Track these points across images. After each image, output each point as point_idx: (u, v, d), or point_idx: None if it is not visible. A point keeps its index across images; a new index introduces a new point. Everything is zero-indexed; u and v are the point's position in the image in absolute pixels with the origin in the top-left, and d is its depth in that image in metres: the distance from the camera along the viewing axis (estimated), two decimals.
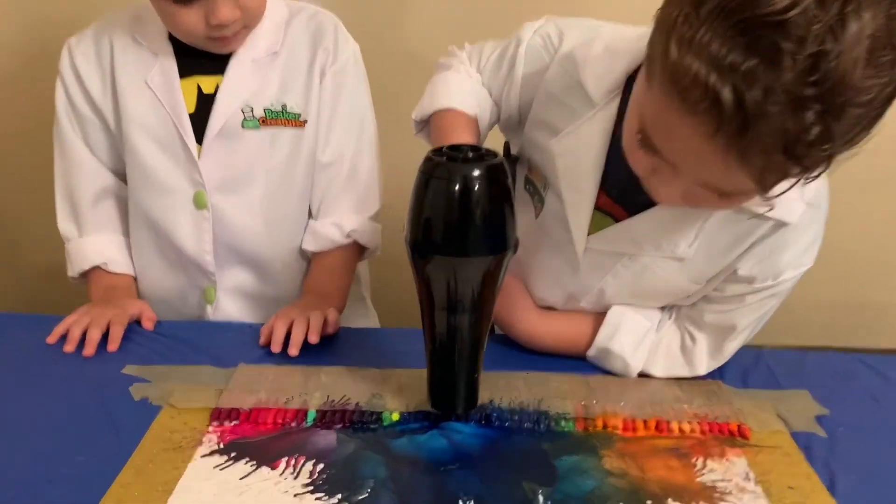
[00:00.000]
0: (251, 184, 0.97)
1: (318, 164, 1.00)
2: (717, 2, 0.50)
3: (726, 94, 0.50)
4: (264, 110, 0.95)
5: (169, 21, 0.88)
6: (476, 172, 0.60)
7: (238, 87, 0.94)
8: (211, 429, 0.72)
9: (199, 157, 0.94)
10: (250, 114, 0.94)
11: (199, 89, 0.95)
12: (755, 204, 0.66)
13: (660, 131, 0.60)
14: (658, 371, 0.83)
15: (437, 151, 0.63)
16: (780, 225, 0.72)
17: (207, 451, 0.69)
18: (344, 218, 1.01)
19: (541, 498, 0.64)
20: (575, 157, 0.78)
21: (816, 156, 0.53)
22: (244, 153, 0.96)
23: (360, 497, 0.64)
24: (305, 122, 0.97)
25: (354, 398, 0.77)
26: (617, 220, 0.78)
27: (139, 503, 0.62)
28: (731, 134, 0.52)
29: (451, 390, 0.73)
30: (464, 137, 0.79)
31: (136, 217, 1.00)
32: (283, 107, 0.96)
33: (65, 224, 1.01)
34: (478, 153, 0.62)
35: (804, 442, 0.73)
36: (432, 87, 0.88)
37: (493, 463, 0.69)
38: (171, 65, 0.94)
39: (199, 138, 0.94)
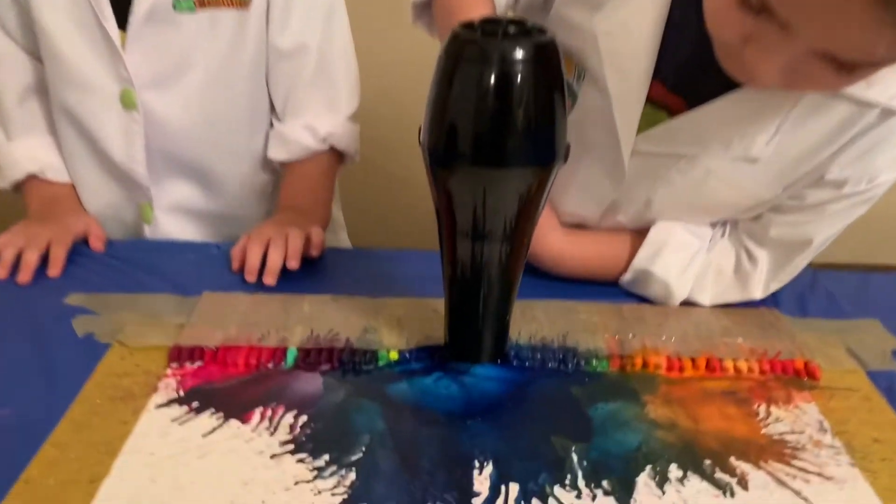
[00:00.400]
0: (188, 78, 0.80)
1: (278, 52, 0.82)
2: None
3: None
4: None
5: None
6: (520, 54, 0.45)
7: None
8: (169, 372, 0.59)
9: (123, 48, 0.77)
10: None
11: None
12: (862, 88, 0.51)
13: None
14: (706, 299, 0.70)
15: (468, 26, 0.47)
16: (891, 113, 0.58)
17: (164, 401, 0.56)
18: (317, 119, 0.85)
19: (574, 457, 0.52)
20: (624, 36, 0.62)
21: None
22: (178, 41, 0.78)
23: (353, 458, 0.52)
24: (249, 1, 0.79)
25: (344, 333, 0.64)
26: (673, 115, 0.63)
27: (76, 468, 0.50)
28: None
29: (475, 337, 0.60)
30: (476, 12, 0.63)
31: (59, 116, 0.83)
32: None
33: None
34: (521, 28, 0.47)
35: (885, 383, 0.62)
36: None
37: (513, 413, 0.56)
38: None
39: (123, 23, 0.76)
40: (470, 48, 0.46)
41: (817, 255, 0.72)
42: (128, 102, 0.79)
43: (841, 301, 0.73)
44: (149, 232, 0.87)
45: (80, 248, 0.76)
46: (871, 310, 0.71)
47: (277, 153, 0.86)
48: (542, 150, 0.48)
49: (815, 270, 0.76)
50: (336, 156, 0.89)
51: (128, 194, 0.85)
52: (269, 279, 0.70)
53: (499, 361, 0.62)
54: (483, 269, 0.54)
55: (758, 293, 0.70)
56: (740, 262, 0.70)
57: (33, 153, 0.83)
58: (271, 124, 0.88)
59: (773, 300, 0.72)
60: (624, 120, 0.64)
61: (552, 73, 0.47)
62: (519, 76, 0.45)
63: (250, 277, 0.71)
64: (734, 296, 0.70)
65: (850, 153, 0.61)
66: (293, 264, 0.70)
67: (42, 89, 0.83)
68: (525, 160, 0.48)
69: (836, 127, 0.59)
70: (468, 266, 0.54)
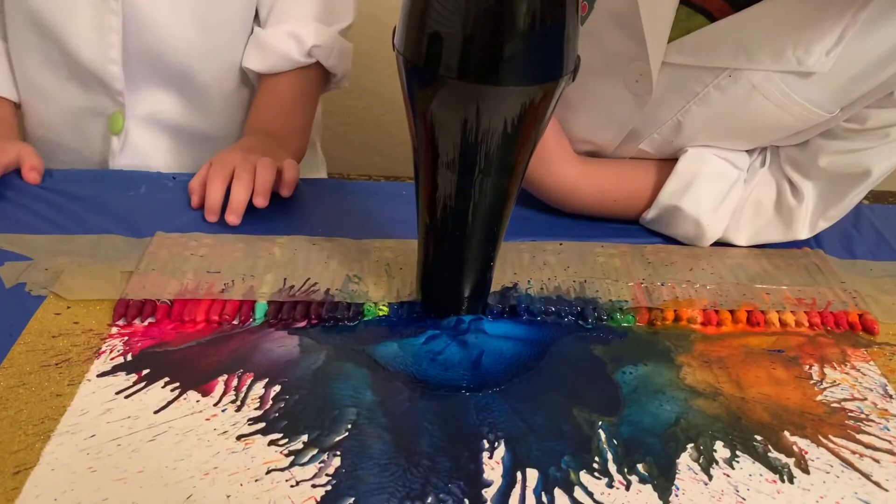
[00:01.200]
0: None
1: None
2: None
3: None
4: None
5: None
6: None
7: None
8: (115, 331, 0.49)
9: None
10: None
11: None
12: None
13: None
14: (742, 238, 0.61)
15: None
16: None
17: (108, 367, 0.47)
18: (304, 28, 0.72)
19: (602, 434, 0.44)
20: None
21: None
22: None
23: (337, 438, 0.43)
24: None
25: (323, 283, 0.54)
26: (714, 19, 0.53)
27: None
28: None
29: (454, 287, 0.50)
30: None
31: (14, 6, 0.70)
32: None
33: None
34: None
35: None
36: None
37: (526, 380, 0.48)
38: None
39: None
40: None
41: None
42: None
43: (892, 239, 0.64)
44: (116, 146, 0.75)
45: (9, 179, 0.65)
46: None
47: (253, 62, 0.74)
48: (547, 62, 0.37)
49: (859, 204, 0.67)
50: (321, 74, 0.77)
51: (96, 101, 0.73)
52: (232, 218, 0.59)
53: (505, 311, 0.52)
54: (468, 209, 0.44)
55: (803, 232, 0.60)
56: (783, 195, 0.60)
57: None
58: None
59: (814, 239, 0.63)
60: (652, 24, 0.53)
61: None
62: None
63: (211, 217, 0.61)
64: (775, 235, 0.61)
65: None
66: (260, 201, 0.60)
67: None
68: (525, 75, 0.37)
69: None
70: (451, 204, 0.44)
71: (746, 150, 0.62)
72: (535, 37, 0.36)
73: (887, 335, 0.53)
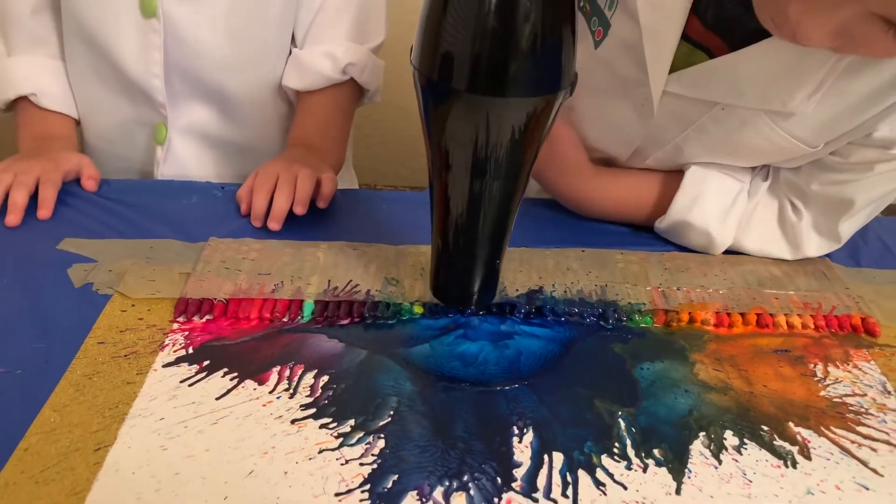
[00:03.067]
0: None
1: None
2: None
3: None
4: None
5: None
6: None
7: None
8: (176, 326, 0.54)
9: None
10: None
11: None
12: None
13: None
14: (751, 244, 0.65)
15: None
16: None
17: (172, 359, 0.51)
18: (338, 47, 0.78)
19: (622, 423, 0.48)
20: None
21: None
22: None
23: (381, 422, 0.47)
24: None
25: (364, 285, 0.59)
26: (713, 56, 0.57)
27: (79, 435, 0.45)
28: None
29: (464, 280, 0.55)
30: None
31: (70, 27, 0.76)
32: None
33: None
34: None
35: None
36: None
37: (552, 374, 0.52)
38: None
39: None
40: None
41: None
42: (147, 9, 0.72)
43: (895, 249, 0.68)
44: (161, 155, 0.81)
45: (72, 188, 0.70)
46: None
47: (293, 80, 0.79)
48: (547, 77, 0.42)
49: None
50: (355, 90, 0.82)
51: (142, 113, 0.79)
52: (274, 224, 0.65)
53: (531, 312, 0.57)
54: (477, 209, 0.49)
55: (810, 251, 0.65)
56: (784, 213, 0.65)
57: (32, 72, 0.77)
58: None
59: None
60: (655, 56, 0.58)
61: None
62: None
63: (256, 223, 0.66)
64: (782, 251, 0.65)
65: None
66: (300, 210, 0.65)
67: (58, 6, 0.76)
68: (528, 89, 0.42)
69: (887, 83, 0.53)
70: (461, 206, 0.49)
71: (749, 168, 0.66)
72: (537, 55, 0.41)
73: (888, 337, 0.57)
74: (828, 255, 0.66)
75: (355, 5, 0.78)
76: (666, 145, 0.64)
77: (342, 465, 0.45)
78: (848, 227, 0.63)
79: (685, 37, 0.57)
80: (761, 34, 0.52)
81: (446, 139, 0.46)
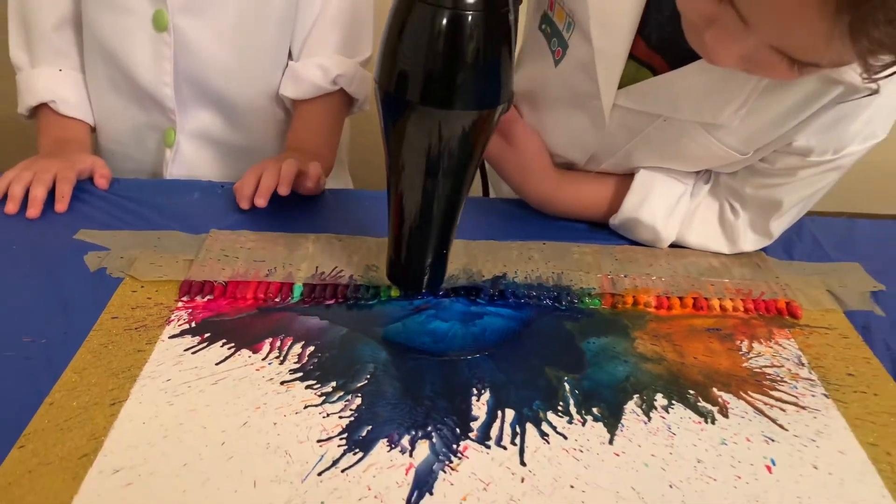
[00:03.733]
0: (223, 9, 0.81)
1: None
2: None
3: None
4: None
5: None
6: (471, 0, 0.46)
7: None
8: (180, 304, 0.62)
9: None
10: None
11: None
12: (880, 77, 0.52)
13: None
14: (693, 238, 0.73)
15: None
16: (854, 90, 0.59)
17: (177, 332, 0.59)
18: (329, 59, 0.86)
19: (567, 386, 0.56)
20: None
21: None
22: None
23: (359, 384, 0.55)
24: None
25: (347, 270, 0.66)
26: (656, 73, 0.65)
27: (97, 392, 0.53)
28: None
29: (416, 267, 0.62)
30: None
31: (89, 41, 0.84)
32: None
33: (16, 51, 0.86)
34: None
35: (861, 321, 0.65)
36: None
37: (510, 347, 0.60)
38: None
39: None
40: None
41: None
42: (159, 24, 0.80)
43: (826, 246, 0.76)
44: (169, 157, 0.89)
45: (86, 186, 0.78)
46: (855, 254, 0.74)
47: (288, 90, 0.87)
48: (488, 94, 0.50)
49: (803, 216, 0.79)
50: (345, 99, 0.90)
51: (153, 118, 0.87)
52: (260, 201, 0.71)
53: (495, 295, 0.64)
54: (427, 206, 0.56)
55: (746, 246, 0.72)
56: (723, 213, 0.73)
57: (53, 82, 0.85)
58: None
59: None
60: (605, 73, 0.66)
61: (501, 20, 0.48)
62: (469, 20, 0.46)
63: (243, 203, 0.73)
64: (721, 246, 0.73)
65: (815, 125, 0.62)
66: (283, 189, 0.71)
67: (78, 23, 0.84)
68: (471, 103, 0.50)
69: (802, 100, 0.60)
70: (413, 203, 0.56)
71: (693, 172, 0.74)
72: (479, 75, 0.49)
73: (808, 319, 0.65)
74: (764, 249, 0.74)
75: (346, 23, 0.86)
76: (617, 152, 0.72)
77: (324, 417, 0.52)
78: (778, 225, 0.71)
79: (632, 56, 0.65)
80: (696, 55, 0.60)
81: (402, 144, 0.53)
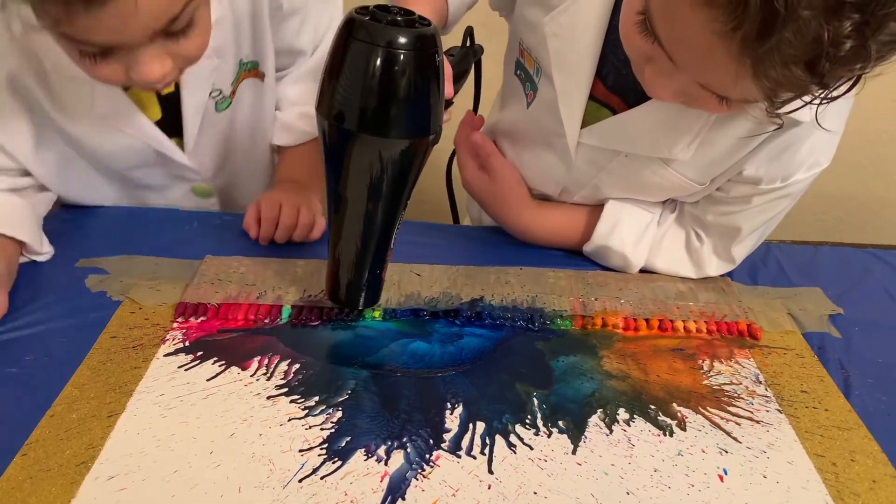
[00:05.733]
0: (237, 144, 0.90)
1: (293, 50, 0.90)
2: None
3: None
4: (230, 83, 0.83)
5: (79, 67, 0.65)
6: (402, 39, 0.51)
7: (200, 80, 0.79)
8: (175, 325, 0.66)
9: (186, 154, 0.83)
10: (219, 95, 0.83)
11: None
12: (789, 110, 0.57)
13: (665, 17, 0.50)
14: (661, 264, 0.77)
15: (363, 10, 0.53)
16: (794, 123, 0.63)
17: (171, 350, 0.63)
18: (311, 108, 0.92)
19: (535, 401, 0.59)
20: (569, 39, 0.68)
21: (842, 74, 0.45)
22: (227, 130, 0.87)
23: (340, 399, 0.59)
24: (264, 74, 0.87)
25: None
26: (615, 113, 0.69)
27: (95, 405, 0.57)
28: (751, 37, 0.44)
29: (354, 285, 0.66)
30: (419, 8, 0.68)
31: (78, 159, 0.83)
32: (240, 62, 0.83)
33: None
34: (408, 18, 0.53)
35: (817, 342, 0.69)
36: None
37: (483, 365, 0.63)
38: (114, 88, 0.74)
39: (178, 130, 0.82)
40: (361, 30, 0.51)
41: (772, 234, 0.78)
42: (202, 193, 0.89)
43: (789, 272, 0.80)
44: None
45: (86, 217, 0.82)
46: (817, 280, 0.78)
47: (281, 140, 0.93)
48: (419, 124, 0.55)
49: (769, 244, 0.83)
50: None
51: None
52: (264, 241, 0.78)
53: (472, 317, 0.68)
54: (365, 228, 0.61)
55: (710, 271, 0.77)
56: (689, 240, 0.77)
57: None
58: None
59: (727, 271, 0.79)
60: (569, 115, 0.71)
61: (429, 60, 0.52)
62: (401, 58, 0.51)
63: (264, 242, 0.78)
64: (688, 271, 0.77)
65: (762, 155, 0.67)
66: (300, 239, 0.78)
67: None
68: (404, 132, 0.54)
69: (747, 133, 0.65)
70: (352, 225, 0.61)
71: (660, 202, 0.78)
72: (410, 108, 0.53)
73: (768, 340, 0.68)
74: (730, 275, 0.78)
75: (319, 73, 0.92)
76: (586, 185, 0.76)
77: (306, 429, 0.56)
78: (740, 251, 0.75)
79: (593, 97, 0.70)
80: (648, 96, 0.65)
81: (341, 172, 0.58)
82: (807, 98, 0.48)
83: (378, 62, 0.51)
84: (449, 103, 0.59)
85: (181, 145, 0.83)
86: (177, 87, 0.79)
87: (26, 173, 0.77)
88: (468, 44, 0.72)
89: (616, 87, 0.68)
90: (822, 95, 0.47)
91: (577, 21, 0.67)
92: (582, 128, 0.71)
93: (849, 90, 0.47)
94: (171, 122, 0.81)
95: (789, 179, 0.68)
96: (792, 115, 0.54)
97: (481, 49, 0.75)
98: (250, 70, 0.85)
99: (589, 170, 0.74)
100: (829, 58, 0.43)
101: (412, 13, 0.53)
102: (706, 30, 0.46)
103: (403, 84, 0.52)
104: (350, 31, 0.51)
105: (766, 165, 0.67)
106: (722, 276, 0.77)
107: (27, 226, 0.73)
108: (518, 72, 0.77)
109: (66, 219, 0.82)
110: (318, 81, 0.87)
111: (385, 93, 0.52)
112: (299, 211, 0.79)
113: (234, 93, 0.84)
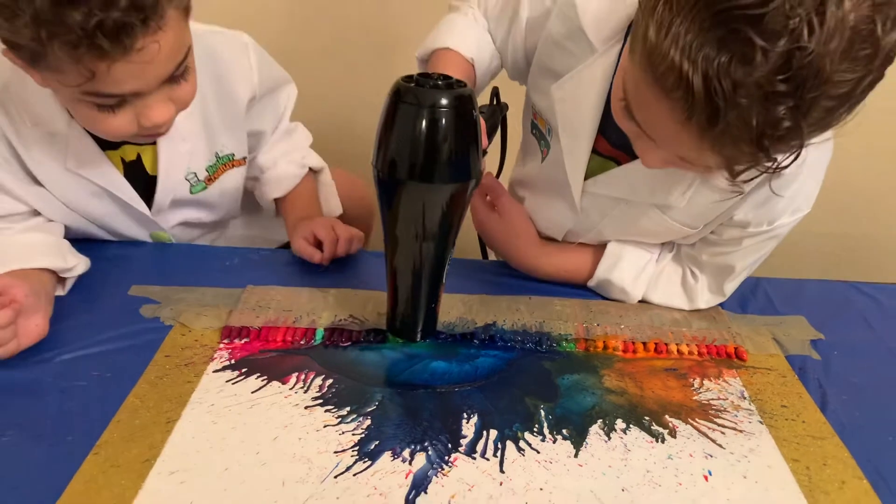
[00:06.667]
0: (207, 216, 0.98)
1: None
2: None
3: (698, 83, 0.50)
4: (206, 169, 0.92)
5: (86, 123, 0.75)
6: (443, 100, 0.60)
7: (175, 159, 0.88)
8: (222, 346, 0.74)
9: (152, 215, 0.91)
10: (195, 179, 0.91)
11: (122, 160, 0.86)
12: (749, 178, 0.62)
13: (639, 105, 0.60)
14: (657, 298, 0.84)
15: (408, 78, 0.62)
16: (775, 175, 0.71)
17: (219, 367, 0.71)
18: (290, 154, 1.02)
19: (542, 412, 0.67)
20: (574, 103, 0.77)
21: (786, 148, 0.53)
22: (197, 208, 0.96)
23: (369, 409, 0.66)
24: (244, 159, 0.96)
25: (361, 317, 0.79)
26: (620, 164, 0.78)
27: (154, 413, 0.65)
28: (702, 123, 0.52)
29: (411, 318, 0.74)
30: (453, 74, 0.78)
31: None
32: (217, 155, 0.92)
33: None
34: (447, 82, 0.62)
35: (799, 364, 0.76)
36: (438, 28, 0.87)
37: (497, 382, 0.71)
38: (87, 142, 0.82)
39: (147, 202, 0.90)
40: (408, 94, 0.61)
41: (761, 272, 0.86)
42: (159, 237, 0.95)
43: (776, 303, 0.87)
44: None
45: (139, 253, 0.91)
46: (801, 310, 0.86)
47: (275, 192, 1.02)
48: (460, 171, 0.63)
49: (758, 278, 0.91)
50: (312, 174, 1.06)
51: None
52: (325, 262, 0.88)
53: (486, 340, 0.76)
54: (418, 266, 0.69)
55: (701, 304, 0.84)
56: (685, 277, 0.85)
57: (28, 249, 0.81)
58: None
59: None
60: (573, 168, 0.80)
61: (467, 116, 0.62)
62: (442, 115, 0.60)
63: (326, 263, 0.87)
64: (681, 303, 0.84)
65: (749, 203, 0.74)
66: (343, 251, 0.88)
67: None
68: (447, 178, 0.63)
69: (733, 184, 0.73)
70: (406, 264, 0.69)
71: (659, 244, 0.86)
72: (452, 158, 0.62)
73: (754, 361, 0.76)
74: (722, 305, 0.85)
75: (289, 132, 1.03)
76: (591, 230, 0.85)
77: (340, 434, 0.63)
78: (731, 286, 0.83)
79: (599, 153, 0.79)
80: None
81: (395, 216, 0.67)
82: (760, 168, 0.55)
83: (424, 121, 0.60)
84: (483, 153, 0.68)
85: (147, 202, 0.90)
86: (137, 157, 0.86)
87: (36, 212, 0.85)
88: (495, 102, 0.82)
89: (619, 144, 0.77)
90: (771, 167, 0.55)
91: (580, 89, 0.76)
92: (588, 179, 0.80)
93: (793, 161, 0.55)
94: (143, 187, 0.88)
95: (775, 223, 0.76)
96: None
97: (506, 106, 0.85)
98: (228, 162, 0.94)
99: (594, 215, 0.83)
100: (769, 137, 0.51)
101: (450, 77, 0.63)
102: (670, 118, 0.55)
103: (446, 138, 0.61)
104: (398, 96, 0.61)
105: (754, 212, 0.75)
106: (714, 306, 0.85)
107: (46, 252, 0.79)
108: (533, 131, 0.87)
109: (115, 253, 0.91)
110: (288, 140, 0.97)
111: (430, 146, 0.61)
112: (335, 228, 0.88)
113: (211, 179, 0.93)
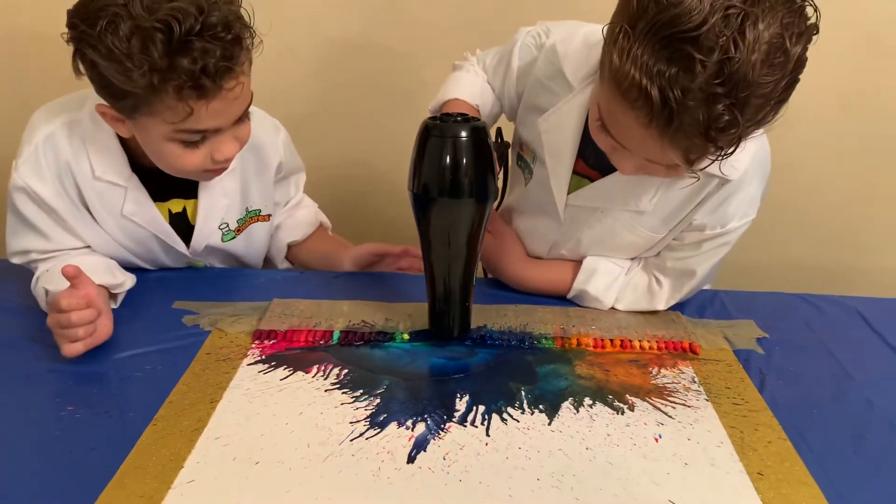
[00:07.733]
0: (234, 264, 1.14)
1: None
2: (647, 22, 0.64)
3: (655, 93, 0.65)
4: (237, 221, 1.07)
5: (167, 161, 0.89)
6: (463, 133, 0.76)
7: (213, 211, 1.04)
8: (254, 346, 0.88)
9: (189, 251, 1.06)
10: (226, 228, 1.06)
11: (169, 211, 1.02)
12: (704, 166, 0.78)
13: (611, 120, 0.75)
14: (625, 304, 0.98)
15: (433, 118, 0.79)
16: (725, 181, 0.86)
17: (252, 361, 0.84)
18: (306, 209, 1.21)
19: (523, 393, 0.80)
20: (557, 132, 0.93)
21: (728, 138, 0.67)
22: (226, 256, 1.12)
23: (379, 391, 0.80)
24: (269, 215, 1.12)
25: (371, 322, 0.92)
26: (593, 181, 0.93)
27: (200, 395, 0.78)
28: (662, 124, 0.67)
29: (448, 317, 0.88)
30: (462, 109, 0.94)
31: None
32: (247, 210, 1.08)
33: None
34: (465, 118, 0.78)
35: (744, 356, 0.89)
36: (446, 83, 1.04)
37: (485, 371, 0.84)
38: (142, 194, 0.97)
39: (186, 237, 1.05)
40: (436, 128, 0.77)
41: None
42: (195, 264, 1.10)
43: (731, 309, 1.00)
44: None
45: (180, 277, 1.06)
46: (752, 315, 0.99)
47: (296, 236, 1.18)
48: (480, 189, 0.79)
49: (717, 290, 1.04)
50: (323, 228, 1.23)
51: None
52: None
53: (477, 339, 0.90)
54: (451, 272, 0.84)
55: (661, 305, 0.97)
56: (651, 285, 0.98)
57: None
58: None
59: (679, 307, 0.99)
60: (558, 184, 0.95)
61: (483, 144, 0.77)
62: (463, 145, 0.76)
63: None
64: (645, 305, 0.98)
65: (705, 207, 0.89)
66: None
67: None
68: (472, 196, 0.78)
69: (692, 190, 0.87)
70: (441, 270, 0.84)
71: (629, 258, 1.00)
72: (474, 180, 0.77)
73: (705, 355, 0.89)
74: (682, 310, 0.98)
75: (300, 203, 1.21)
76: (571, 240, 0.99)
77: (354, 409, 0.76)
78: (689, 288, 0.97)
79: (577, 172, 0.94)
80: None
81: (429, 230, 0.81)
82: (711, 156, 0.70)
83: (449, 149, 0.76)
84: (496, 175, 0.82)
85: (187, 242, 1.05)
86: (182, 210, 1.03)
87: (88, 247, 1.00)
88: (499, 139, 0.98)
89: (595, 164, 0.92)
90: (718, 155, 0.69)
91: (562, 121, 0.92)
92: (569, 193, 0.94)
93: (735, 149, 0.69)
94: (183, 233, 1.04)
95: (727, 226, 0.90)
96: (724, 174, 0.80)
97: (508, 144, 1.01)
98: (255, 216, 1.10)
99: (574, 225, 0.97)
100: (715, 129, 0.66)
101: (467, 114, 0.79)
102: (636, 124, 0.69)
103: (467, 162, 0.76)
104: (428, 131, 0.77)
105: (709, 216, 0.89)
106: (674, 310, 0.98)
107: (102, 272, 0.94)
108: (519, 162, 1.02)
109: (157, 276, 1.05)
110: (299, 205, 1.18)
111: (455, 169, 0.76)
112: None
113: (240, 230, 1.08)
